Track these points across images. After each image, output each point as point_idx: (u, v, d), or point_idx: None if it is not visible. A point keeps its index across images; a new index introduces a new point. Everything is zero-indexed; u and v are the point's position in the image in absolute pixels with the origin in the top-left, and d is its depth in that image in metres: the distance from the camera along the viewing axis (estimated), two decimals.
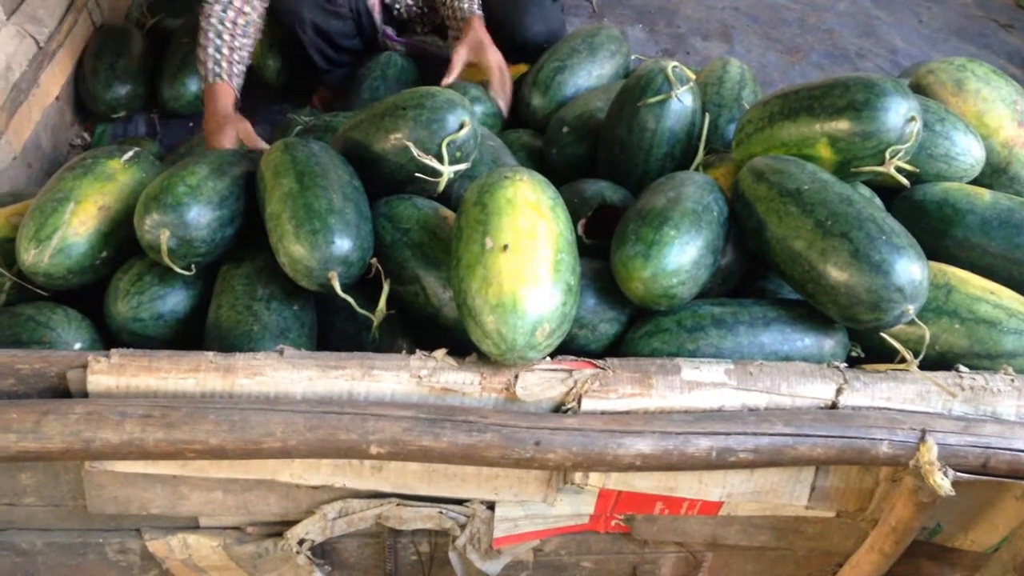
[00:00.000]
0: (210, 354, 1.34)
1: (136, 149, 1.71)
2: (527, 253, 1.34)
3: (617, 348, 1.55)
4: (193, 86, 2.66)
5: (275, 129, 2.44)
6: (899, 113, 1.54)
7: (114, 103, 2.62)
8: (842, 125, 1.56)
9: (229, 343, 1.46)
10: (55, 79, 2.52)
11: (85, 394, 1.31)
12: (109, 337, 1.60)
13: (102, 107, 2.62)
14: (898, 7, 3.35)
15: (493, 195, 1.41)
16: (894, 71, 2.98)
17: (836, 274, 1.39)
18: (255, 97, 2.72)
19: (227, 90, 2.20)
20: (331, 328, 1.61)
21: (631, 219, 1.52)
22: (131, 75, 2.64)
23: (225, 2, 2.25)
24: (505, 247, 1.33)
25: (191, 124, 2.71)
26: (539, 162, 2.09)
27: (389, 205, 1.63)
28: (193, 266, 1.55)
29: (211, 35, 2.22)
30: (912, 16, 3.30)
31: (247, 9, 2.28)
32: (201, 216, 1.53)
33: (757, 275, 1.71)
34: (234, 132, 2.13)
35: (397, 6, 2.59)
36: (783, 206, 1.49)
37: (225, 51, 2.21)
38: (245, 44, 2.27)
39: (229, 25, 2.23)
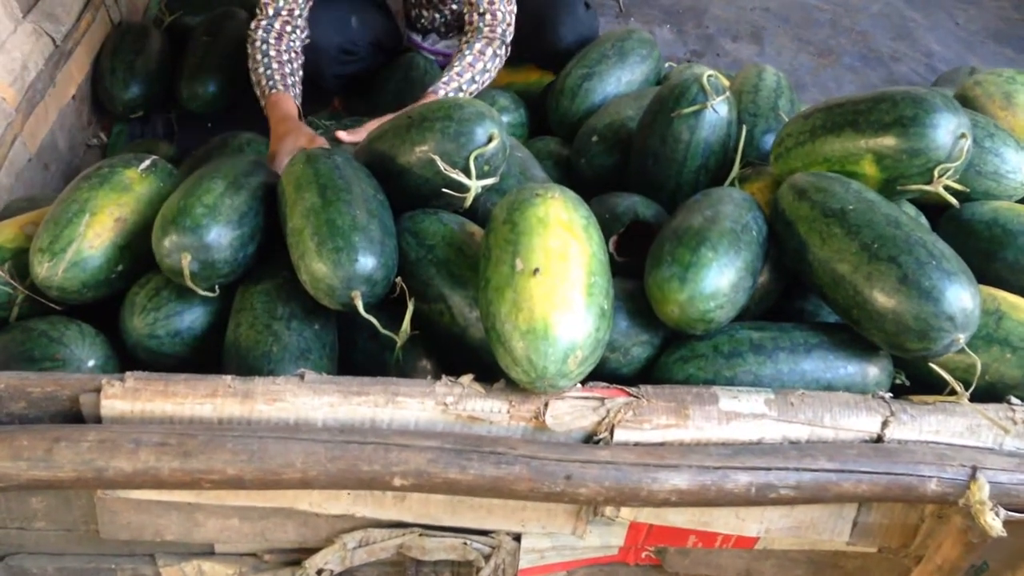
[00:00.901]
0: (228, 378, 1.29)
1: (153, 158, 1.65)
2: (559, 276, 1.28)
3: (649, 372, 1.49)
4: (211, 86, 2.60)
5: None
6: (949, 130, 1.47)
7: (131, 103, 2.57)
8: (889, 141, 1.49)
9: (248, 364, 1.41)
10: (72, 78, 2.47)
11: (99, 418, 1.26)
12: (124, 353, 1.55)
13: (119, 107, 2.57)
14: (933, 9, 3.25)
15: (524, 213, 1.35)
16: (930, 75, 2.89)
17: (883, 300, 1.33)
18: None
19: (286, 97, 2.10)
20: (353, 347, 1.55)
21: (666, 239, 1.45)
22: (149, 74, 2.59)
23: (266, 26, 2.18)
24: (536, 271, 1.27)
25: (209, 124, 2.66)
26: (567, 171, 2.03)
27: (414, 220, 1.57)
28: (217, 287, 1.50)
29: (259, 56, 2.15)
30: (948, 18, 3.21)
31: (288, 29, 2.19)
32: (222, 237, 1.47)
33: (795, 294, 1.65)
34: (305, 137, 1.98)
35: (422, 20, 2.51)
36: (826, 227, 1.42)
37: (275, 65, 2.14)
38: (294, 59, 2.19)
39: (273, 41, 2.16)
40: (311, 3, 2.22)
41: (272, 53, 2.15)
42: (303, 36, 2.23)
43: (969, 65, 2.69)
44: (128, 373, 1.28)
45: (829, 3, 3.27)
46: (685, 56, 2.98)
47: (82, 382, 1.28)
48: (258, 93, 2.15)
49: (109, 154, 2.56)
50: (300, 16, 2.21)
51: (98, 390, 1.26)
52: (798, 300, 1.65)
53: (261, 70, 2.14)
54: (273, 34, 2.17)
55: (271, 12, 2.17)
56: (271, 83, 2.11)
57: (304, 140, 1.96)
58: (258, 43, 2.16)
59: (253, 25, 2.19)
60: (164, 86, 2.66)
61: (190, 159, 2.28)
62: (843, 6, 3.26)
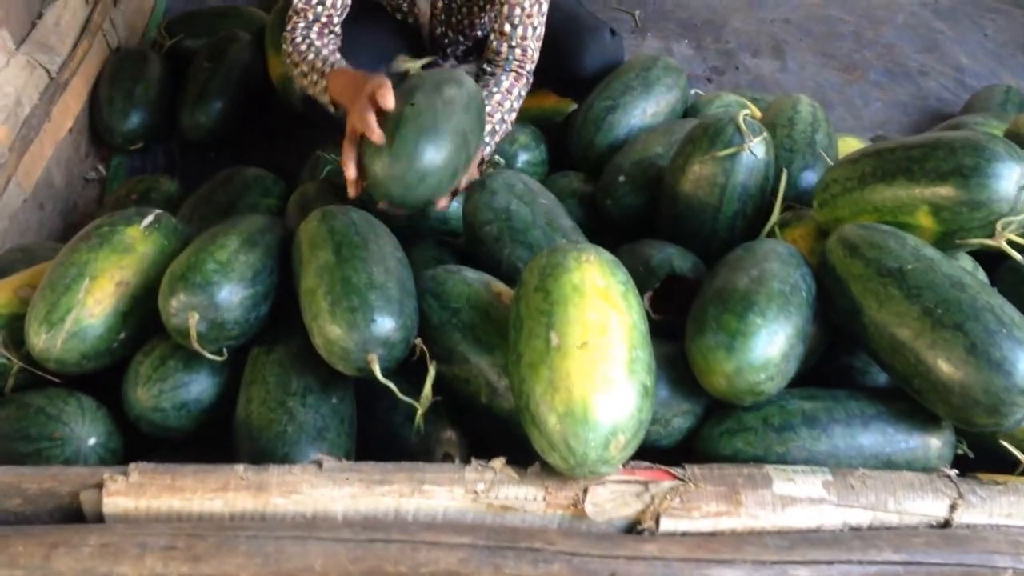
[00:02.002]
0: (240, 469, 1.19)
1: (156, 212, 1.55)
2: (598, 352, 1.18)
3: (690, 441, 1.39)
4: (214, 115, 2.49)
5: (304, 165, 2.29)
6: (1012, 180, 1.36)
7: (131, 134, 2.45)
8: (947, 192, 1.38)
9: (260, 446, 1.31)
10: (68, 110, 2.36)
11: (101, 516, 1.16)
12: (126, 424, 1.45)
13: (118, 139, 2.45)
14: (960, 19, 3.13)
15: (557, 280, 1.25)
16: (960, 90, 2.78)
17: (948, 371, 1.22)
18: (281, 124, 2.57)
19: (347, 69, 1.91)
20: (371, 417, 1.45)
21: (710, 302, 1.35)
22: (149, 103, 2.48)
23: (304, 28, 2.01)
24: (582, 344, 1.17)
25: (212, 155, 2.55)
26: (591, 211, 1.92)
27: (436, 280, 1.47)
28: (225, 350, 1.40)
29: (303, 48, 1.97)
30: (976, 29, 3.09)
31: (326, 32, 2.03)
32: (233, 295, 1.37)
33: (841, 349, 1.54)
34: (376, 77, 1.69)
35: (445, 41, 2.37)
36: (883, 288, 1.31)
37: (325, 52, 1.96)
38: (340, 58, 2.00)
39: (315, 38, 2.00)
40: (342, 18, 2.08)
41: (318, 43, 1.98)
42: (338, 44, 2.07)
43: (1004, 84, 2.59)
44: (132, 466, 1.18)
45: (852, 14, 3.15)
46: (704, 73, 2.87)
47: (82, 477, 1.18)
48: (312, 79, 1.94)
49: (108, 188, 2.46)
50: (338, 25, 2.07)
51: (100, 486, 1.16)
52: (845, 356, 1.54)
53: (312, 56, 1.95)
54: (315, 32, 2.02)
55: (310, 17, 2.02)
56: (328, 63, 1.92)
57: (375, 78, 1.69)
58: (298, 39, 1.99)
59: (289, 27, 2.02)
60: (165, 115, 2.54)
61: (193, 197, 2.17)
62: (867, 17, 3.14)
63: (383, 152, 1.56)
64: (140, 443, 1.48)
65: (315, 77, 1.93)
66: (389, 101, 1.60)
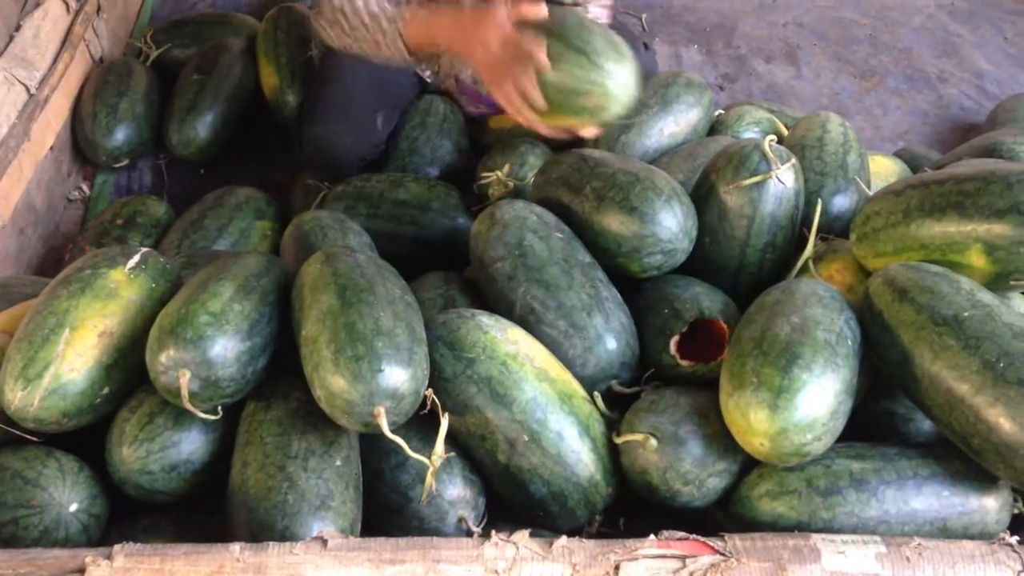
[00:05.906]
0: (236, 549, 1.07)
1: (142, 251, 1.43)
2: None
3: (725, 502, 1.29)
4: (204, 131, 2.33)
5: (294, 189, 2.17)
6: None
7: (116, 151, 2.31)
8: (1003, 231, 1.28)
9: (258, 517, 1.19)
10: (49, 128, 2.22)
11: None
12: (111, 487, 1.34)
13: (103, 156, 2.31)
14: (978, 21, 3.01)
15: None
16: (983, 98, 2.67)
17: (1013, 431, 1.13)
18: (272, 138, 2.45)
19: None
20: (378, 478, 1.33)
21: (747, 352, 1.24)
22: (135, 118, 2.33)
23: None
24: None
25: (202, 171, 2.42)
26: None
27: (448, 327, 1.36)
28: (220, 409, 1.28)
29: None
30: (995, 32, 2.97)
31: None
32: (228, 350, 1.25)
33: (882, 392, 1.43)
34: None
35: None
36: (938, 337, 1.21)
37: None
38: None
39: None
40: None
41: None
42: None
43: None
44: (117, 548, 1.07)
45: (867, 16, 3.03)
46: (716, 81, 2.75)
47: (61, 562, 1.06)
48: (381, 25, 1.63)
49: (92, 208, 2.33)
50: None
51: (81, 571, 1.05)
52: (885, 400, 1.43)
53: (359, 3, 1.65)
54: None
55: None
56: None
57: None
58: None
59: None
60: (152, 130, 2.39)
61: (181, 221, 2.05)
62: (883, 20, 3.02)
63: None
64: (126, 501, 1.36)
65: (383, 23, 1.62)
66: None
